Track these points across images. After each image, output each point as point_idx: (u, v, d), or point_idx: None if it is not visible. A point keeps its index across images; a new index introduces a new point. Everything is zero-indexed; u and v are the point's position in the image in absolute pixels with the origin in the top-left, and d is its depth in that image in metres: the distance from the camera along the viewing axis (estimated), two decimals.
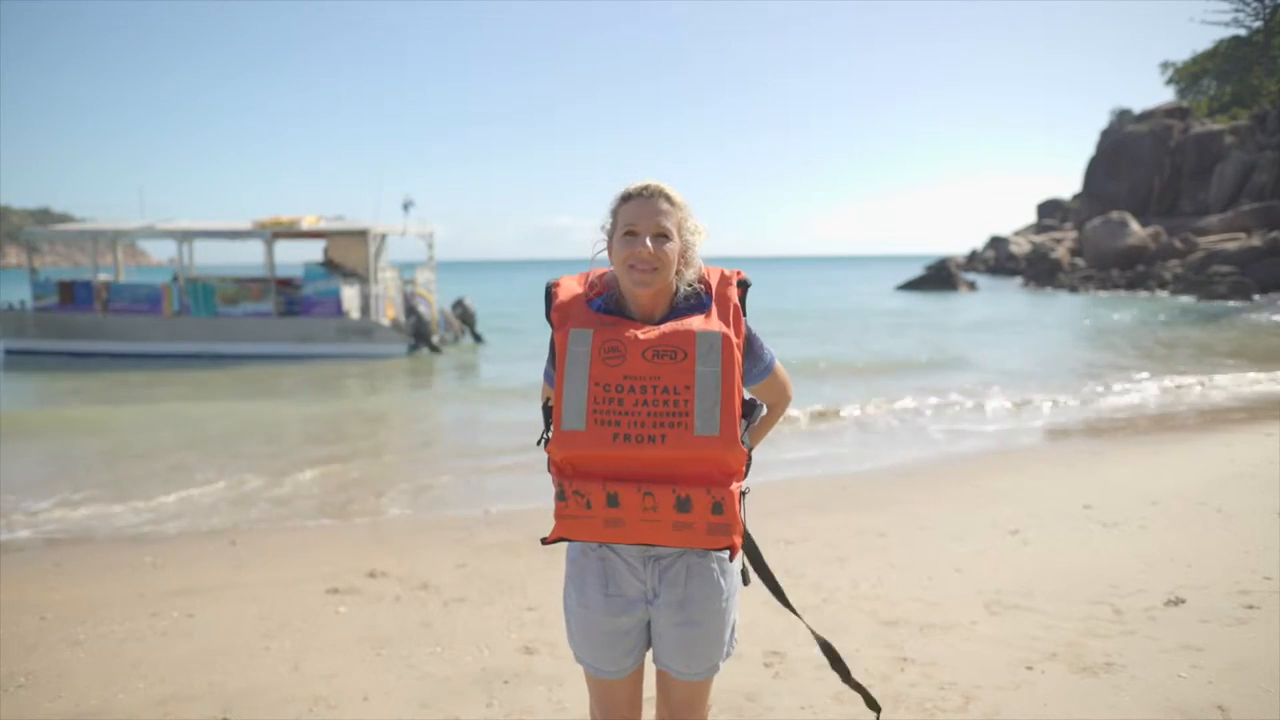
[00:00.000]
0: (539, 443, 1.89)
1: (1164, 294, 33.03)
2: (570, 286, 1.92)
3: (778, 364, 1.97)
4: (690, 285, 1.88)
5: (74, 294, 18.29)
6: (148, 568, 5.01)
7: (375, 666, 3.51)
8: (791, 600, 4.03)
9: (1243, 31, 43.13)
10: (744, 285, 1.90)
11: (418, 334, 17.97)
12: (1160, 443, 8.22)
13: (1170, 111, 49.65)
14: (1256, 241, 33.42)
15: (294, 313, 17.85)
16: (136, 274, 22.16)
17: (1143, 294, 33.91)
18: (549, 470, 1.83)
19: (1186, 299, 30.56)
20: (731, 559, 1.86)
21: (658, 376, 1.74)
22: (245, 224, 18.39)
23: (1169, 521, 5.15)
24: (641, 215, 1.80)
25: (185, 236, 18.18)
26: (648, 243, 1.78)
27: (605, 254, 1.90)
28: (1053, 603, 3.90)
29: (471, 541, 5.32)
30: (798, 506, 5.88)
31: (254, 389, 13.99)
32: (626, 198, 1.84)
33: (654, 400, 1.73)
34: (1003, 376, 13.49)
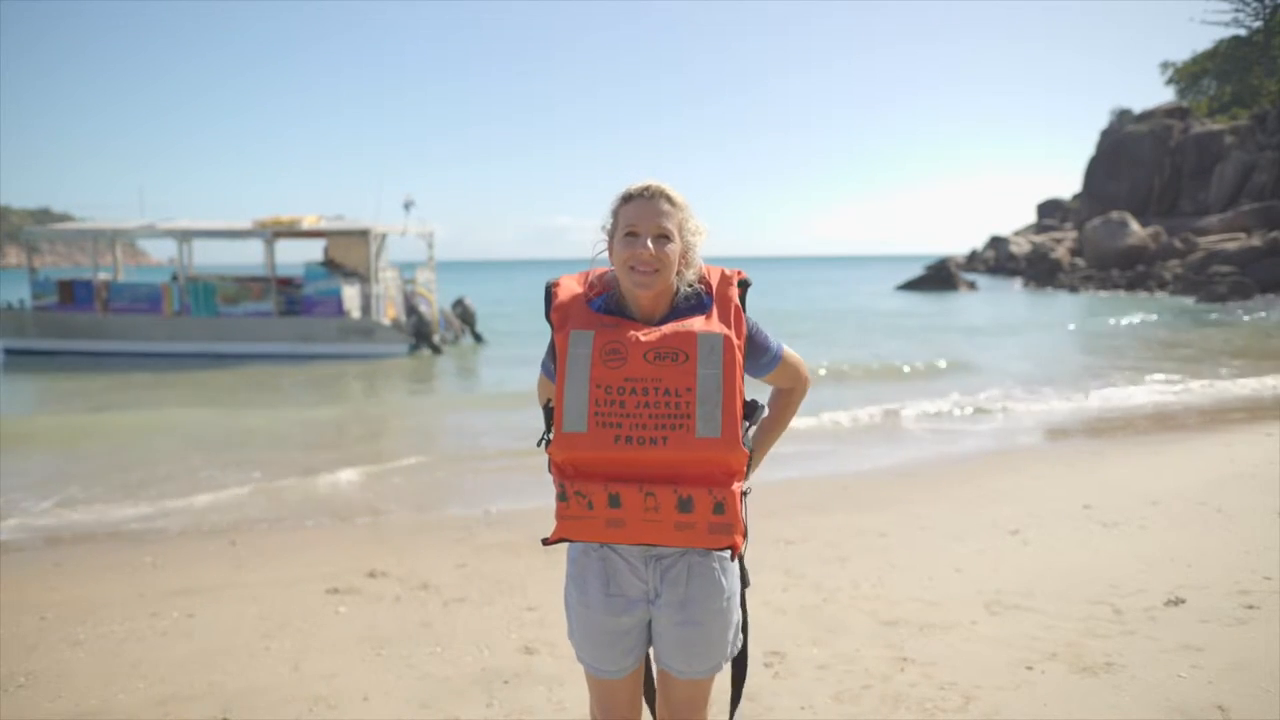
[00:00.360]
0: (539, 444, 1.88)
1: (1164, 294, 33.00)
2: (570, 286, 1.92)
3: (786, 350, 1.97)
4: (691, 285, 1.87)
5: (74, 293, 18.28)
6: (148, 568, 5.01)
7: (375, 666, 3.51)
8: (791, 600, 4.02)
9: (1243, 31, 43.19)
10: (744, 285, 1.90)
11: (418, 333, 17.96)
12: (1160, 443, 8.22)
13: (1170, 111, 49.65)
14: (1256, 241, 33.40)
15: (295, 312, 17.84)
16: (136, 274, 22.16)
17: (1142, 294, 33.89)
18: (549, 471, 1.83)
19: (1186, 299, 30.53)
20: (733, 558, 1.86)
21: (659, 379, 1.74)
22: (245, 223, 18.38)
23: (1169, 521, 5.15)
24: (642, 216, 1.80)
25: (185, 236, 18.16)
26: (649, 244, 1.78)
27: (606, 254, 1.90)
28: (1053, 603, 3.90)
29: (471, 541, 5.32)
30: (798, 506, 5.88)
31: (254, 390, 13.98)
32: (627, 198, 1.84)
33: (655, 402, 1.73)
34: (1003, 377, 13.48)
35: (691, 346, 1.76)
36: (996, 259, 53.34)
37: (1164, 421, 9.67)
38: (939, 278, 43.14)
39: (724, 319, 1.82)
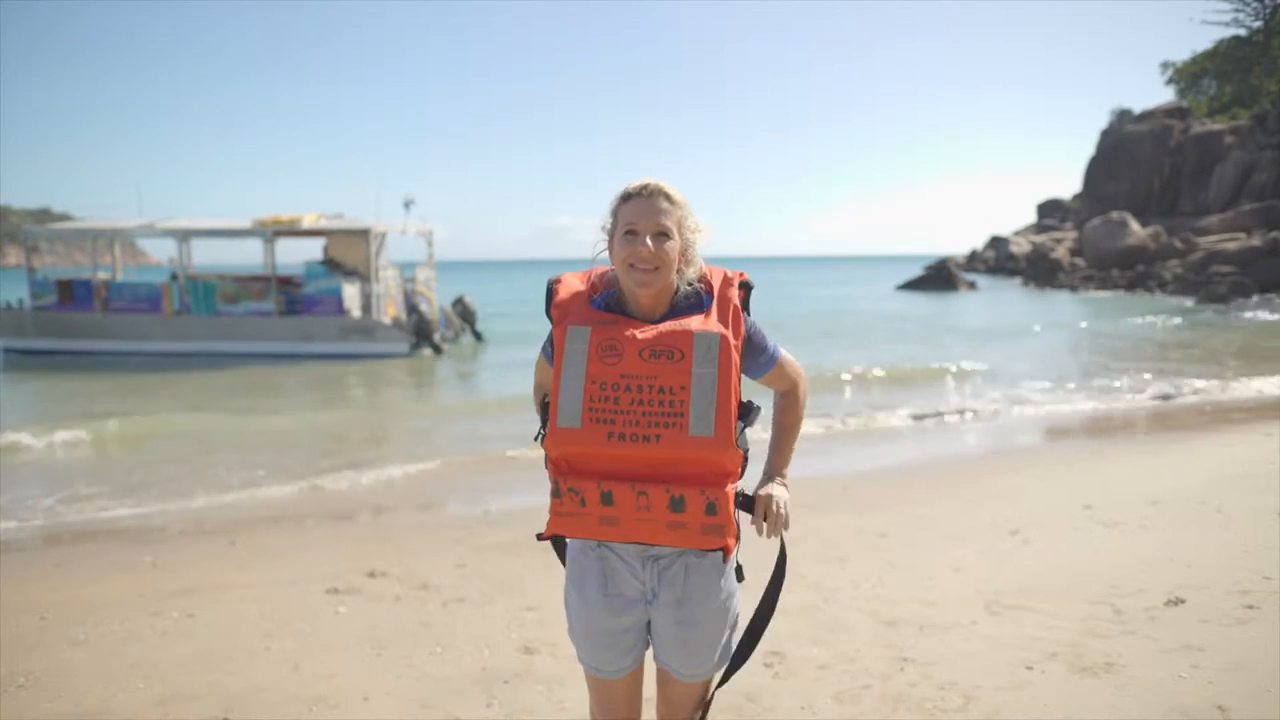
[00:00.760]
0: (536, 439, 1.89)
1: (1164, 294, 32.98)
2: (571, 284, 1.92)
3: (783, 353, 1.94)
4: (691, 284, 1.87)
5: (73, 293, 18.26)
6: (148, 568, 5.01)
7: (375, 666, 3.51)
8: (791, 600, 4.02)
9: (1243, 31, 43.16)
10: (746, 287, 1.90)
11: (419, 332, 17.94)
12: (1160, 443, 8.22)
13: (1170, 111, 49.65)
14: (1256, 241, 33.40)
15: (295, 311, 17.83)
16: (136, 274, 22.15)
17: (1143, 294, 33.87)
18: (545, 467, 1.84)
19: (1186, 300, 30.51)
20: (725, 560, 1.86)
21: (654, 376, 1.74)
22: (245, 222, 18.37)
23: (1169, 521, 5.15)
24: (641, 215, 1.80)
25: (185, 235, 18.15)
26: (648, 242, 1.78)
27: (606, 254, 1.90)
28: (1053, 603, 3.90)
29: (471, 541, 5.32)
30: (798, 506, 5.82)
31: (255, 392, 13.98)
32: (626, 197, 1.84)
33: (649, 400, 1.73)
34: (1004, 378, 13.47)
35: (687, 345, 1.76)
36: (996, 259, 53.35)
37: (1164, 421, 9.66)
38: (939, 278, 43.15)
39: (722, 319, 1.82)
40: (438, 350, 17.97)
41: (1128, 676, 3.14)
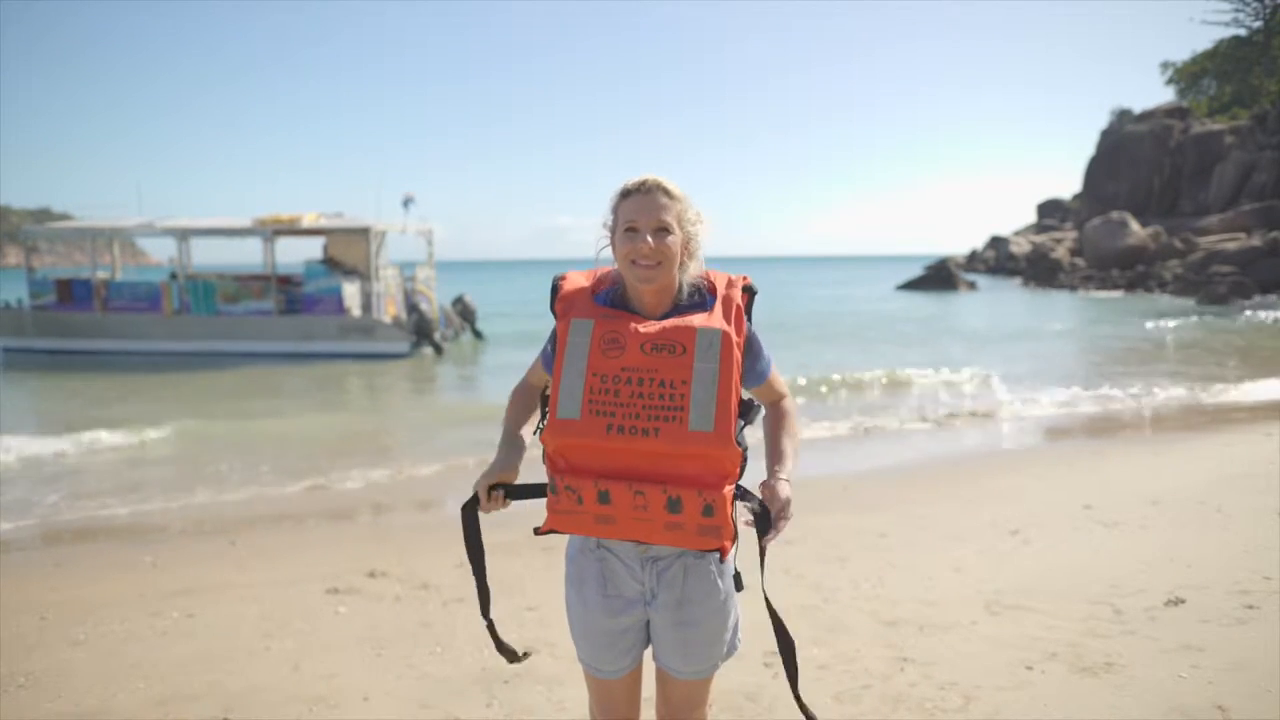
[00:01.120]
0: (534, 433, 1.90)
1: (1164, 294, 32.96)
2: (576, 280, 1.94)
3: (774, 371, 1.94)
4: (694, 283, 1.88)
5: (72, 292, 18.25)
6: (148, 568, 5.01)
7: (375, 666, 3.51)
8: (791, 600, 4.02)
9: (1243, 31, 43.17)
10: (750, 291, 1.90)
11: (419, 331, 17.92)
12: (1160, 443, 8.23)
13: (1170, 111, 49.64)
14: (1256, 241, 33.40)
15: (295, 311, 17.81)
16: (135, 274, 22.14)
17: (1143, 294, 33.85)
18: (543, 462, 1.84)
19: (1186, 300, 30.48)
20: (721, 561, 1.85)
21: (655, 370, 1.75)
22: (245, 221, 18.36)
23: (1169, 521, 5.15)
24: (641, 211, 1.80)
25: (185, 234, 18.13)
26: (648, 239, 1.78)
27: (609, 251, 1.90)
28: (1053, 603, 3.90)
29: None
30: (798, 506, 5.84)
31: (255, 392, 13.97)
32: (625, 194, 1.84)
33: (650, 393, 1.73)
34: (1005, 379, 13.43)
35: (690, 340, 1.77)
36: (996, 259, 53.35)
37: (1164, 421, 9.67)
38: (939, 278, 43.15)
39: (725, 318, 1.83)
40: (438, 349, 17.95)
41: (1128, 676, 3.14)
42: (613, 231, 1.87)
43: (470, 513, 1.83)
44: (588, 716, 2.10)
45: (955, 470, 7.29)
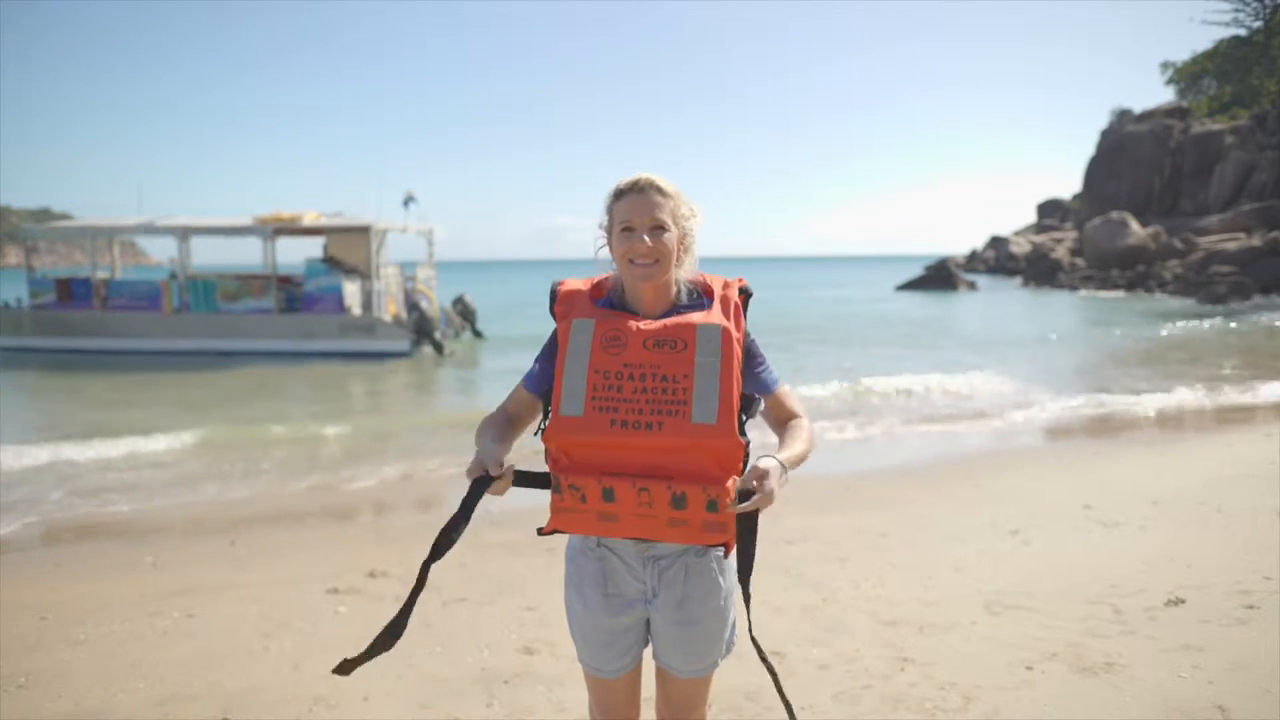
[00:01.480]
0: (535, 434, 1.90)
1: (1164, 295, 32.95)
2: (575, 284, 1.96)
3: (784, 388, 1.92)
4: (691, 285, 1.91)
5: (72, 291, 18.24)
6: (148, 568, 5.01)
7: (375, 666, 3.48)
8: (791, 600, 4.01)
9: (1243, 31, 43.19)
10: (746, 293, 1.92)
11: (420, 329, 17.89)
12: (1160, 443, 8.23)
13: (1170, 111, 49.64)
14: (1256, 241, 33.39)
15: (295, 309, 17.80)
16: (135, 274, 22.13)
17: (1143, 294, 33.83)
18: (545, 463, 1.84)
19: (1187, 300, 30.45)
20: (726, 556, 1.87)
21: (657, 365, 1.77)
22: (246, 220, 18.36)
23: (1169, 521, 5.15)
24: (636, 210, 1.82)
25: (185, 233, 18.12)
26: (645, 237, 1.80)
27: (606, 251, 1.92)
28: (1053, 603, 3.90)
29: (471, 541, 5.30)
30: (798, 506, 5.88)
31: (256, 391, 13.97)
32: (619, 194, 1.86)
33: (652, 388, 1.75)
34: (1007, 380, 13.42)
35: (690, 335, 1.79)
36: (996, 259, 53.36)
37: (1164, 421, 9.66)
38: (939, 278, 43.14)
39: (724, 315, 1.85)
40: (438, 348, 17.93)
41: (1128, 676, 3.14)
42: (609, 232, 1.89)
43: (480, 488, 1.77)
44: (587, 717, 2.10)
45: (955, 470, 7.29)
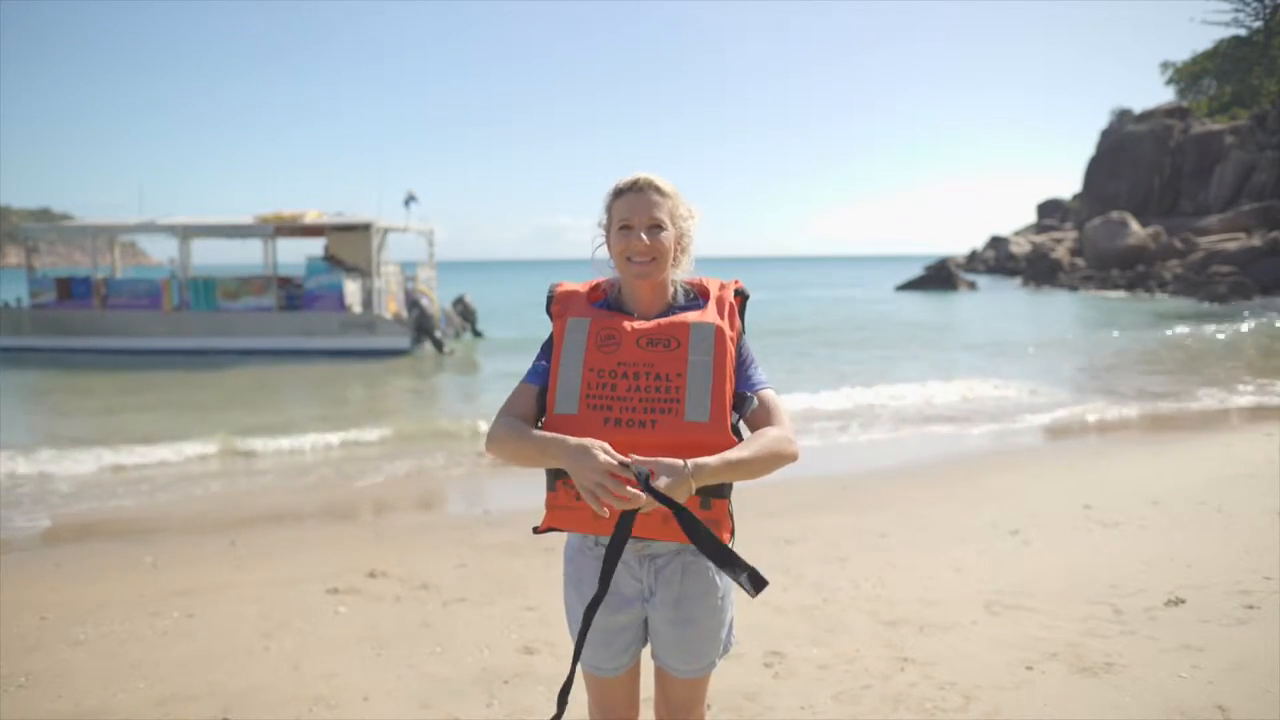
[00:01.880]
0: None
1: (1164, 295, 32.93)
2: (572, 286, 1.97)
3: (770, 393, 1.86)
4: (687, 287, 1.93)
5: (72, 290, 18.24)
6: (148, 568, 5.01)
7: (375, 666, 3.51)
8: (791, 600, 4.01)
9: (1243, 31, 43.16)
10: (742, 295, 1.93)
11: (420, 327, 17.88)
12: (1160, 443, 8.22)
13: (1170, 111, 49.63)
14: (1256, 241, 33.40)
15: (295, 307, 17.79)
16: (135, 273, 22.13)
17: (1143, 294, 33.82)
18: None
19: (1187, 300, 30.43)
20: None
21: (651, 363, 1.78)
22: (247, 218, 18.37)
23: (1169, 521, 5.15)
24: (635, 209, 1.83)
25: (186, 232, 18.12)
26: (643, 236, 1.81)
27: (604, 251, 1.93)
28: (1053, 603, 3.90)
29: (471, 541, 5.32)
30: (798, 506, 5.88)
31: (256, 390, 13.97)
32: (618, 193, 1.87)
33: (646, 386, 1.76)
34: (1008, 382, 13.39)
35: (684, 334, 1.80)
36: (996, 259, 53.36)
37: (1164, 421, 9.67)
38: (939, 278, 43.14)
39: (719, 315, 1.86)
40: (439, 346, 17.92)
41: (1128, 676, 3.14)
42: (607, 230, 1.90)
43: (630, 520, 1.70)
44: (587, 717, 2.10)
45: (955, 470, 7.29)
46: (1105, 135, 51.93)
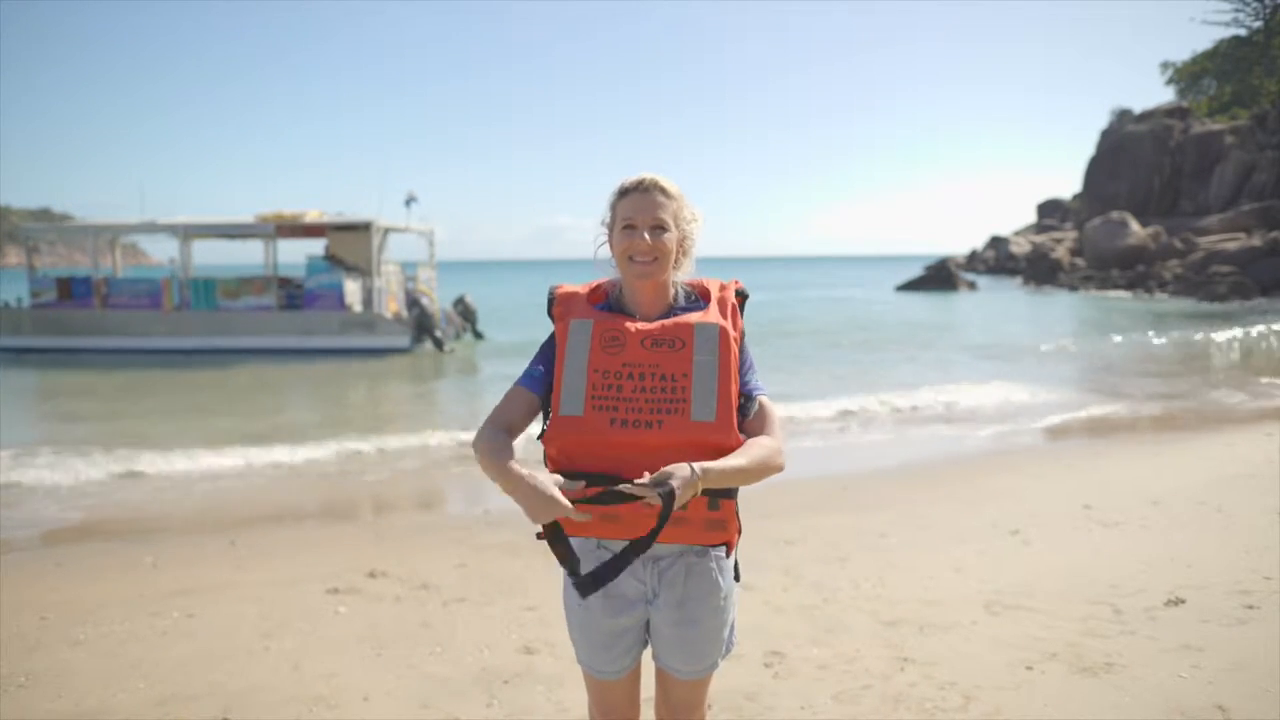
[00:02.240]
0: (539, 437, 1.90)
1: (1164, 295, 32.93)
2: (573, 289, 1.97)
3: (765, 399, 1.86)
4: (688, 288, 1.93)
5: (72, 290, 18.25)
6: (148, 568, 5.01)
7: (375, 666, 3.51)
8: (791, 600, 4.01)
9: (1243, 31, 43.17)
10: (741, 295, 1.93)
11: (421, 326, 17.89)
12: (1160, 443, 8.23)
13: (1170, 111, 49.63)
14: (1256, 241, 33.40)
15: (295, 306, 17.81)
16: (135, 273, 22.14)
17: (1143, 294, 33.82)
18: (545, 465, 1.84)
19: (1187, 300, 30.42)
20: (728, 555, 1.87)
21: (656, 364, 1.78)
22: (248, 218, 18.38)
23: (1169, 521, 5.15)
24: (639, 209, 1.84)
25: (187, 232, 18.12)
26: (645, 236, 1.82)
27: (606, 250, 1.93)
28: (1053, 603, 3.90)
29: (471, 541, 5.32)
30: (798, 506, 5.88)
31: (256, 390, 13.96)
32: (624, 192, 1.88)
33: (652, 387, 1.77)
34: (1008, 382, 13.37)
35: (688, 335, 1.81)
36: (996, 259, 53.34)
37: (1164, 421, 9.67)
38: (939, 278, 43.12)
39: (721, 315, 1.87)
40: (439, 344, 17.91)
41: (1128, 676, 3.14)
42: (610, 229, 1.91)
43: (559, 531, 1.76)
44: (587, 717, 2.10)
45: (955, 470, 7.29)
46: (1105, 135, 51.93)
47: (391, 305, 18.34)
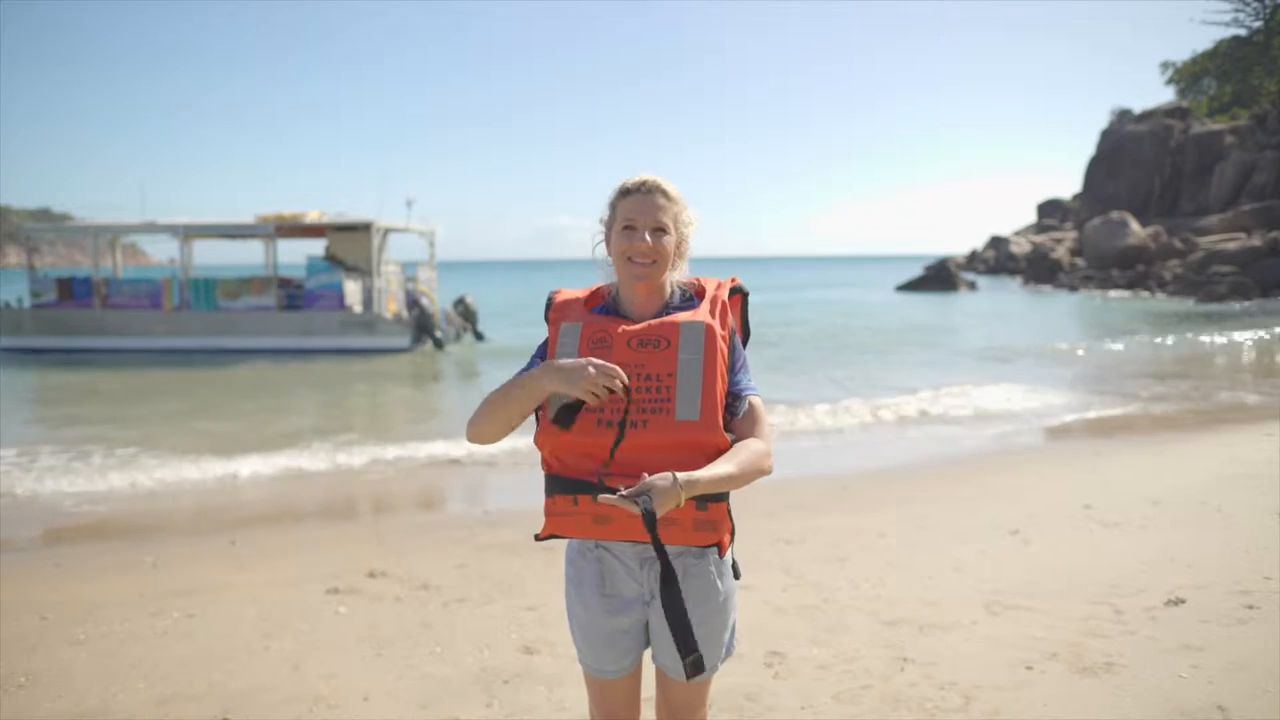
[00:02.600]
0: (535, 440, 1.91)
1: (1164, 295, 32.92)
2: (572, 294, 1.98)
3: (757, 401, 1.85)
4: (683, 287, 1.93)
5: (73, 290, 18.26)
6: (148, 568, 5.01)
7: (375, 667, 3.51)
8: (791, 600, 4.01)
9: (1243, 31, 43.11)
10: (742, 292, 1.94)
11: (421, 326, 17.89)
12: (1160, 443, 8.22)
13: (1170, 111, 49.63)
14: (1257, 241, 33.39)
15: (296, 306, 17.82)
16: (135, 273, 22.15)
17: (1143, 294, 33.82)
18: (542, 467, 1.85)
19: (1187, 300, 30.41)
20: (720, 555, 1.86)
21: (642, 364, 1.78)
22: (248, 218, 18.39)
23: (1169, 521, 5.15)
24: (640, 211, 1.84)
25: (187, 232, 18.13)
26: (646, 237, 1.82)
27: (604, 249, 1.94)
28: (1053, 603, 3.90)
29: (471, 541, 5.32)
30: (798, 506, 5.88)
31: (256, 390, 13.97)
32: (625, 192, 1.88)
33: (637, 387, 1.77)
34: (1009, 382, 13.38)
35: (673, 334, 1.81)
36: (996, 259, 53.33)
37: (1164, 421, 9.66)
38: (939, 278, 43.11)
39: (711, 314, 1.86)
40: (438, 344, 17.92)
41: (1128, 676, 3.14)
42: (609, 227, 1.91)
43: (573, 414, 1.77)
44: (587, 717, 2.10)
45: (955, 470, 7.29)
46: (1105, 135, 51.92)
47: (391, 305, 18.34)
